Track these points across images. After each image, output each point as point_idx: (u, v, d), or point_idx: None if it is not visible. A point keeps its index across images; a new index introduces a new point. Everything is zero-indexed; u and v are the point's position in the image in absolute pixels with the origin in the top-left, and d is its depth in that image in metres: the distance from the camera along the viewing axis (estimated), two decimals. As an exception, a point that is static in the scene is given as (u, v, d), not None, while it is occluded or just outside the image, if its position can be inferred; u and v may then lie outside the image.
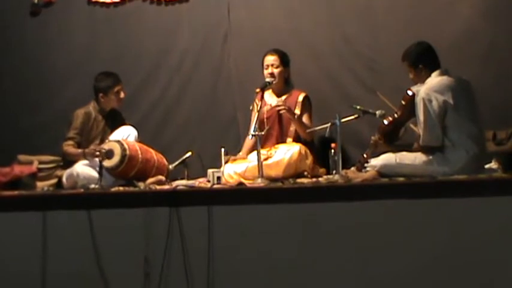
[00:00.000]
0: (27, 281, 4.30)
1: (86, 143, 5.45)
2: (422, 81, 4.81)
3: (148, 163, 5.29)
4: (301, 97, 5.54)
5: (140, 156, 5.22)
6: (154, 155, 5.38)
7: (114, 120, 5.59)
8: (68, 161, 5.40)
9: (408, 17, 5.79)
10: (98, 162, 5.03)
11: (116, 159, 5.11)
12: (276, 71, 5.52)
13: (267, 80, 5.44)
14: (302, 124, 5.44)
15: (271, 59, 5.54)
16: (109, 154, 5.10)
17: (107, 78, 5.54)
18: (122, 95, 5.56)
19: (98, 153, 5.10)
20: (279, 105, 5.39)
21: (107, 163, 5.07)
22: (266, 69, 5.53)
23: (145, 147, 5.38)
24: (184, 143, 5.97)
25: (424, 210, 4.05)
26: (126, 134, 5.44)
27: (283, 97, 5.58)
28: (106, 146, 5.16)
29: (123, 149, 5.13)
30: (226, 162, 5.30)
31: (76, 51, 6.28)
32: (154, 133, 6.09)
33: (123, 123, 5.59)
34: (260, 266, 4.16)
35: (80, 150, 5.36)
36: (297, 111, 5.50)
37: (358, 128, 5.53)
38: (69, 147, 5.41)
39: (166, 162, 5.46)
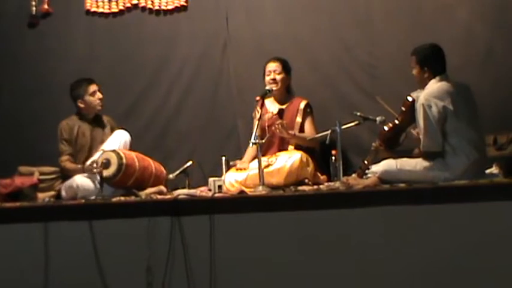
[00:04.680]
0: (29, 292, 4.30)
1: (75, 152, 5.46)
2: (424, 82, 4.80)
3: (146, 171, 5.28)
4: (302, 105, 5.54)
5: (137, 164, 5.22)
6: (152, 163, 5.38)
7: (101, 126, 5.58)
8: (68, 175, 5.39)
9: (407, 23, 5.80)
10: (97, 174, 5.03)
11: (112, 168, 5.09)
12: (278, 77, 5.53)
13: (267, 87, 5.44)
14: (300, 137, 5.43)
15: (273, 66, 5.55)
16: (106, 164, 5.09)
17: (79, 83, 5.54)
18: (99, 95, 5.53)
19: (95, 167, 5.08)
20: (276, 126, 5.34)
21: (104, 173, 5.07)
22: (268, 75, 5.54)
23: (141, 155, 5.37)
24: (185, 152, 5.98)
25: (425, 216, 4.05)
26: (118, 140, 5.43)
27: (284, 105, 5.58)
28: (102, 157, 5.15)
29: (120, 158, 5.11)
30: (228, 170, 5.32)
31: (76, 61, 6.27)
32: (155, 142, 6.10)
33: (112, 127, 5.59)
34: (262, 274, 4.16)
35: (79, 166, 5.35)
36: (299, 119, 5.51)
37: (358, 134, 5.54)
38: (66, 162, 5.41)
39: (164, 170, 5.47)
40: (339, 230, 4.12)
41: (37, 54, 6.33)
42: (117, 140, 5.45)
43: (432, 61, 4.81)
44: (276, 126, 5.30)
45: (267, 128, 5.47)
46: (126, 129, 5.57)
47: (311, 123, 5.54)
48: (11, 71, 6.31)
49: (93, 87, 5.52)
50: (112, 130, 5.59)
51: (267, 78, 5.54)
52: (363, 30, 5.90)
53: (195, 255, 4.19)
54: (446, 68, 4.84)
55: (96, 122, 5.59)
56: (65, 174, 5.40)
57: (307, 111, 5.55)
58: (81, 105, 5.52)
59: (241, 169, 5.35)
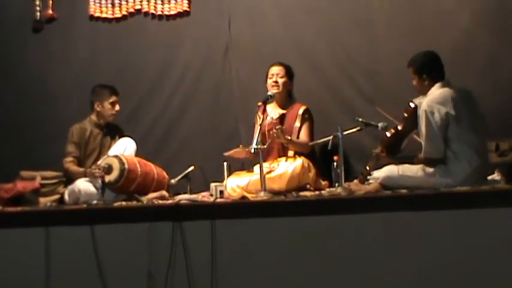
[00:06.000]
0: (30, 297, 4.30)
1: (83, 157, 5.49)
2: (425, 90, 4.80)
3: (148, 176, 5.29)
4: (301, 110, 5.54)
5: (139, 169, 5.22)
6: (154, 168, 5.39)
7: (112, 134, 5.61)
8: (71, 177, 5.40)
9: (408, 28, 5.80)
10: (99, 179, 5.03)
11: (115, 173, 5.11)
12: (280, 80, 5.53)
13: (269, 93, 5.44)
14: (297, 143, 5.43)
15: (276, 69, 5.56)
16: (108, 169, 5.09)
17: (103, 88, 5.58)
18: (117, 107, 5.58)
19: (98, 172, 5.08)
20: (274, 130, 5.34)
21: (106, 178, 5.07)
22: (271, 78, 5.55)
23: (143, 160, 5.38)
24: (186, 157, 5.97)
25: (427, 222, 4.06)
26: (124, 147, 5.45)
27: (285, 111, 5.59)
28: (104, 162, 5.16)
29: (122, 163, 5.13)
30: (229, 175, 5.33)
31: (79, 66, 6.29)
32: (156, 147, 6.11)
33: (122, 136, 5.61)
34: (263, 280, 4.16)
35: (81, 170, 5.36)
36: (297, 124, 5.52)
37: (360, 140, 5.53)
38: (70, 164, 5.42)
39: (166, 175, 5.47)
40: (341, 236, 4.12)
41: (41, 59, 6.34)
42: (122, 147, 5.46)
43: (429, 68, 4.81)
44: (274, 130, 5.30)
45: (267, 133, 5.46)
46: (131, 137, 5.58)
47: (307, 129, 5.53)
48: (14, 75, 6.32)
49: (115, 98, 5.57)
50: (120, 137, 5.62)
51: (269, 81, 5.54)
52: (364, 35, 5.90)
53: (197, 260, 4.19)
54: (446, 73, 4.83)
55: (108, 129, 5.62)
56: (68, 179, 5.41)
57: (305, 116, 5.55)
58: (98, 109, 5.56)
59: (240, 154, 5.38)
